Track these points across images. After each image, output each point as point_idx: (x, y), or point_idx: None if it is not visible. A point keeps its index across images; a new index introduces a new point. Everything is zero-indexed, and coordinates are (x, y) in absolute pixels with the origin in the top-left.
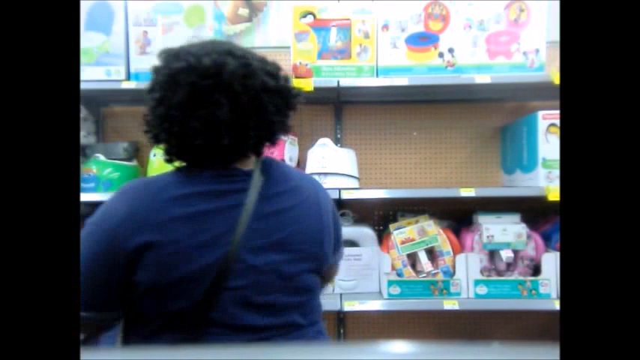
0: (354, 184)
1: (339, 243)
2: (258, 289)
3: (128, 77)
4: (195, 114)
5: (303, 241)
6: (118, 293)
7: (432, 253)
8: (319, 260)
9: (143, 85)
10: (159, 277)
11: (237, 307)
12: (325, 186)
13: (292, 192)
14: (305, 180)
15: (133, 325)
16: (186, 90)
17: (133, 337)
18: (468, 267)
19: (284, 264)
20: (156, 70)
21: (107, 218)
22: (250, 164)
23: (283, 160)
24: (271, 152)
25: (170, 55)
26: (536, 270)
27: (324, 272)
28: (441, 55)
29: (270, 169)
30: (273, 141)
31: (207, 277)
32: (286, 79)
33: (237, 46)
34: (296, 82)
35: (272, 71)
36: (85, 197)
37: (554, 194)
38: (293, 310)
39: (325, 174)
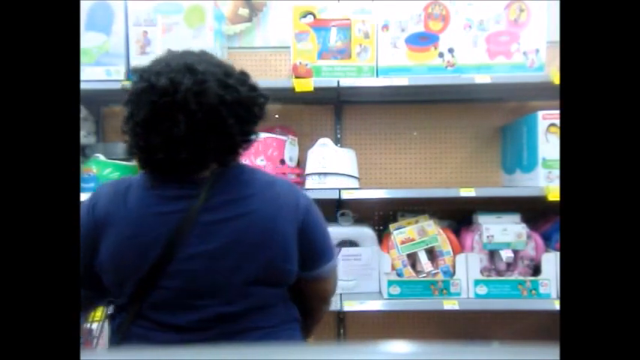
0: (354, 184)
1: (318, 254)
2: (192, 293)
3: (128, 77)
4: (154, 131)
5: (247, 251)
6: (91, 275)
7: (432, 253)
8: (271, 271)
9: None
10: (105, 264)
11: (168, 307)
12: (325, 186)
13: (243, 201)
14: (270, 189)
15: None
16: (146, 108)
17: (113, 313)
18: (468, 267)
19: (223, 272)
20: (127, 88)
21: (82, 212)
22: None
23: (283, 161)
24: (272, 152)
25: (137, 74)
26: (536, 270)
27: (312, 287)
28: (441, 55)
29: (229, 177)
30: (236, 150)
31: (141, 273)
32: (253, 88)
33: (204, 58)
34: (296, 82)
35: (233, 84)
36: (85, 197)
37: (554, 194)
38: (235, 317)
39: (325, 174)
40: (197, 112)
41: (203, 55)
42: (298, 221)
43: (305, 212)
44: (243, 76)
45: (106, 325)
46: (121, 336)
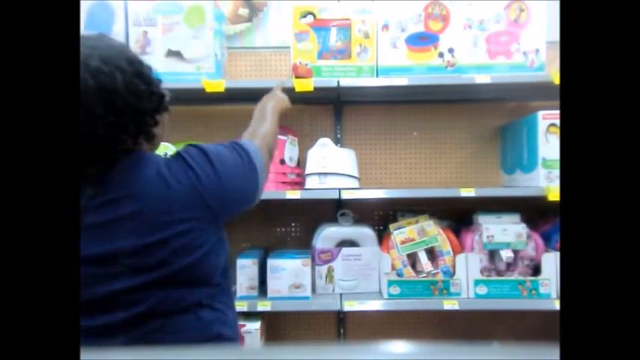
0: (354, 184)
1: (242, 196)
2: (87, 298)
3: None
4: None
5: (133, 255)
6: None
7: (432, 253)
8: (168, 269)
9: None
10: None
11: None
12: (325, 186)
13: (129, 198)
14: (159, 183)
15: None
16: None
17: None
18: (468, 267)
19: (105, 279)
20: None
21: None
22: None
23: (283, 160)
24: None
25: None
26: (536, 270)
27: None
28: (441, 55)
29: (121, 171)
30: (117, 146)
31: None
32: (138, 75)
33: (89, 43)
34: (296, 82)
35: (108, 71)
36: None
37: (554, 194)
38: (141, 322)
39: (325, 174)
40: None
41: (92, 40)
42: (204, 202)
43: (209, 188)
44: (130, 65)
45: None
46: None
